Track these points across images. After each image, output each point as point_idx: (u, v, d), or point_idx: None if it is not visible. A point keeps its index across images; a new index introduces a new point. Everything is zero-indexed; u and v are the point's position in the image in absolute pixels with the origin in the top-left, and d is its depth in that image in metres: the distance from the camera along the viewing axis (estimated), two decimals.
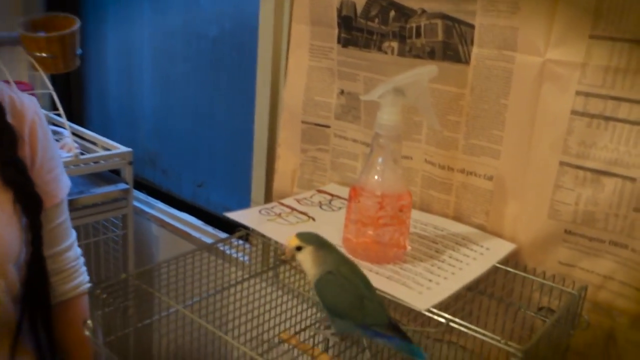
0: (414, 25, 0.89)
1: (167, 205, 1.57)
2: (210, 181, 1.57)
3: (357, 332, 0.64)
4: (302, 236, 0.68)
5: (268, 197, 1.19)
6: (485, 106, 0.85)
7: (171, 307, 0.73)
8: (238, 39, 1.39)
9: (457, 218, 0.93)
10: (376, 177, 0.77)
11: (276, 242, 0.83)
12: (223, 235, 1.42)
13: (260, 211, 0.92)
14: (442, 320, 0.67)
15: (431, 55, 0.89)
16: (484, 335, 0.64)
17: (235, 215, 0.89)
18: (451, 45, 0.86)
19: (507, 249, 0.83)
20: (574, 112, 0.77)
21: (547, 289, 0.83)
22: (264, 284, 0.94)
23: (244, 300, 0.91)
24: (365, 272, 0.75)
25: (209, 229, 1.44)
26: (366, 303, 0.61)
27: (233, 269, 0.90)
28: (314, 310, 1.09)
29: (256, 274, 0.91)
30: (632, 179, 0.74)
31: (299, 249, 0.67)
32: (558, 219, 0.81)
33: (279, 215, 0.91)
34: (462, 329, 0.65)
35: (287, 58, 1.09)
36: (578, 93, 0.76)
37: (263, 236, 0.84)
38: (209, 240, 1.41)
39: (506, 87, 0.82)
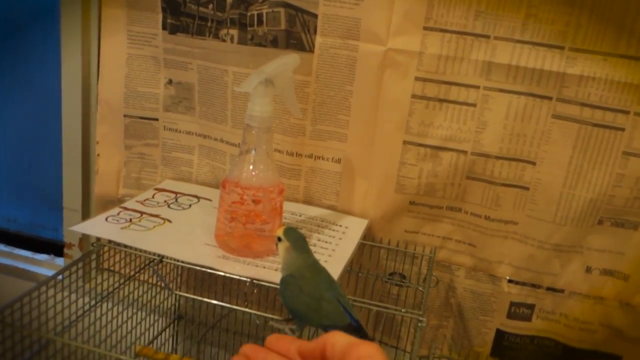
0: (255, 12, 0.88)
1: None
2: None
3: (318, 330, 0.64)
4: (287, 230, 0.65)
5: (86, 202, 1.06)
6: (331, 93, 0.89)
7: (42, 340, 0.62)
8: (13, 22, 1.18)
9: (308, 202, 0.96)
10: (250, 169, 0.75)
11: (138, 250, 0.76)
12: (22, 252, 1.21)
13: (107, 219, 0.82)
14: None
15: (274, 43, 0.89)
16: (387, 308, 0.69)
17: (83, 228, 0.78)
18: (294, 34, 0.88)
19: (363, 225, 0.90)
20: (414, 96, 0.86)
21: (397, 256, 0.92)
22: (110, 304, 0.85)
23: (101, 322, 0.81)
24: (251, 267, 0.74)
25: (1, 247, 1.22)
26: (324, 305, 0.60)
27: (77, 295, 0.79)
28: (156, 318, 1.02)
29: (107, 294, 0.81)
30: (464, 152, 0.86)
31: (279, 239, 0.65)
32: (404, 192, 0.90)
33: (131, 221, 0.82)
34: (367, 306, 0.69)
35: (99, 46, 0.98)
36: (417, 79, 0.85)
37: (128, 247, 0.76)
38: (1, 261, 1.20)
39: (351, 74, 0.87)
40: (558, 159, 0.83)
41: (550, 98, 0.81)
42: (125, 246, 0.75)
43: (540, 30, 0.79)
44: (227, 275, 0.71)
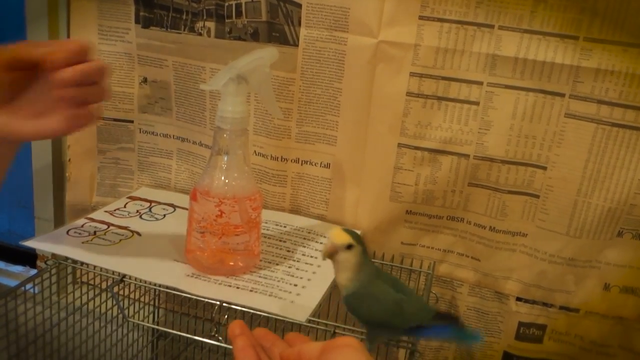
0: (233, 3, 0.80)
1: None
2: None
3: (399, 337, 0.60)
4: (351, 233, 0.57)
5: (59, 212, 0.98)
6: (318, 91, 0.81)
7: None
8: None
9: (295, 210, 0.87)
10: (222, 177, 0.67)
11: (96, 268, 0.68)
12: None
13: (68, 232, 0.74)
14: (327, 329, 0.61)
15: (254, 36, 0.81)
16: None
17: (39, 244, 0.70)
18: (277, 26, 0.79)
19: None
20: (409, 94, 0.77)
21: (393, 271, 0.84)
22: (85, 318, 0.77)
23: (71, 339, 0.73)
24: (224, 287, 0.66)
25: None
26: (405, 307, 0.55)
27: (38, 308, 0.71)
28: (138, 334, 0.94)
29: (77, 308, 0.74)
30: (466, 156, 0.77)
31: (349, 247, 0.56)
32: (399, 200, 0.81)
33: (95, 234, 0.74)
34: (351, 334, 0.61)
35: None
36: (412, 74, 0.76)
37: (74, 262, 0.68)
38: None
39: (339, 70, 0.79)
40: (572, 163, 0.74)
41: (562, 95, 0.72)
42: (83, 264, 0.67)
43: (551, 19, 0.70)
44: (194, 297, 0.63)
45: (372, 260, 0.80)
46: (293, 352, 0.45)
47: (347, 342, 0.42)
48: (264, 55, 0.66)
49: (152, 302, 0.94)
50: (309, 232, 0.81)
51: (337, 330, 0.60)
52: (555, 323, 0.81)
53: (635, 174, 0.71)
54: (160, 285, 0.65)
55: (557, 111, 0.73)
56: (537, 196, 0.76)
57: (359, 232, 0.57)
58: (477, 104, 0.75)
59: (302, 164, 0.85)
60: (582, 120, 0.72)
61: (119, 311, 0.60)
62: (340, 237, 0.56)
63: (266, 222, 0.82)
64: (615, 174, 0.72)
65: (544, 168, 0.75)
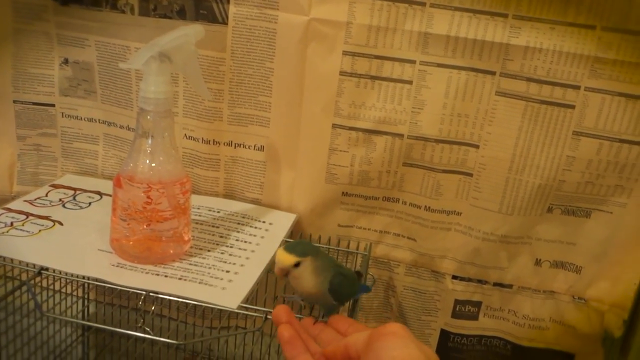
0: None
1: None
2: None
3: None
4: (294, 250, 0.55)
5: None
6: (249, 71, 0.78)
7: None
8: None
9: (229, 195, 0.85)
10: (147, 161, 0.63)
11: (14, 261, 0.63)
12: None
13: None
14: (258, 315, 0.59)
15: (181, 14, 0.77)
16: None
17: None
18: (204, 3, 0.76)
19: (290, 221, 0.80)
20: (342, 73, 0.75)
21: (330, 254, 0.83)
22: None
23: None
24: (151, 276, 0.63)
25: None
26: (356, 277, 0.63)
27: None
28: (61, 326, 0.90)
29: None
30: (400, 135, 0.77)
31: (297, 264, 0.55)
32: (335, 182, 0.80)
33: (11, 225, 0.70)
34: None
35: None
36: (345, 53, 0.74)
37: None
38: None
39: (271, 49, 0.76)
40: (503, 141, 0.74)
41: (493, 73, 0.72)
42: None
43: None
44: (119, 287, 0.60)
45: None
46: (339, 347, 0.45)
47: (392, 330, 0.41)
48: (189, 32, 0.63)
49: (76, 294, 0.89)
50: (243, 217, 0.79)
51: (269, 316, 0.58)
52: (489, 299, 0.82)
53: (563, 151, 0.73)
54: (82, 277, 0.61)
55: (488, 89, 0.73)
56: (471, 175, 0.77)
57: (300, 240, 0.59)
58: (410, 83, 0.74)
59: (235, 147, 0.82)
60: (512, 98, 0.72)
61: (35, 306, 0.57)
62: (285, 260, 0.55)
63: (199, 208, 0.79)
64: (545, 150, 0.73)
65: (477, 146, 0.75)
